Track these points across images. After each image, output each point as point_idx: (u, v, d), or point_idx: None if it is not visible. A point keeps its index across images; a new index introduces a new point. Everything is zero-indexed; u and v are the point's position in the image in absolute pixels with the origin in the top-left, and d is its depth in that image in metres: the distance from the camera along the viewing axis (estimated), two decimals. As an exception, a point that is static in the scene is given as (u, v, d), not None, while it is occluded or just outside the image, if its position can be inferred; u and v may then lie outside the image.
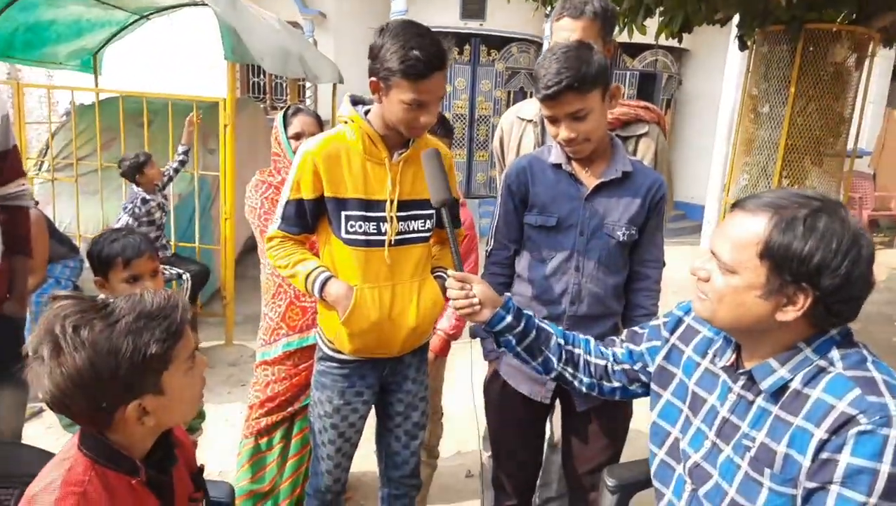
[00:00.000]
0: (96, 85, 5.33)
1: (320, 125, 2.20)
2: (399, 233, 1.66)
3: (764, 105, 3.58)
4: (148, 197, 3.84)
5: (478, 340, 1.89)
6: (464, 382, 2.43)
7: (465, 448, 3.08)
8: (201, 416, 1.99)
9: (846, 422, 0.98)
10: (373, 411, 1.90)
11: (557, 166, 1.67)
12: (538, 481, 2.14)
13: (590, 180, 1.66)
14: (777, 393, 1.10)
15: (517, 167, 1.74)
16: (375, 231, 1.63)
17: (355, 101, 1.71)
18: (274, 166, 2.21)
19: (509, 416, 1.86)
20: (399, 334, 1.69)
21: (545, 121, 1.64)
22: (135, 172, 3.80)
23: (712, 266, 1.14)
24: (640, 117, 1.93)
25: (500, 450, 1.94)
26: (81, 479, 0.97)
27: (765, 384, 1.11)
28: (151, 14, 5.26)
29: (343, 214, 1.62)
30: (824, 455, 0.99)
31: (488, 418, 1.93)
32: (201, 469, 1.24)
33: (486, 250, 1.84)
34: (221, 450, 2.86)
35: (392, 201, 1.63)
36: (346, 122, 1.66)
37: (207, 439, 2.02)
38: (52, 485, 0.95)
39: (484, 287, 1.41)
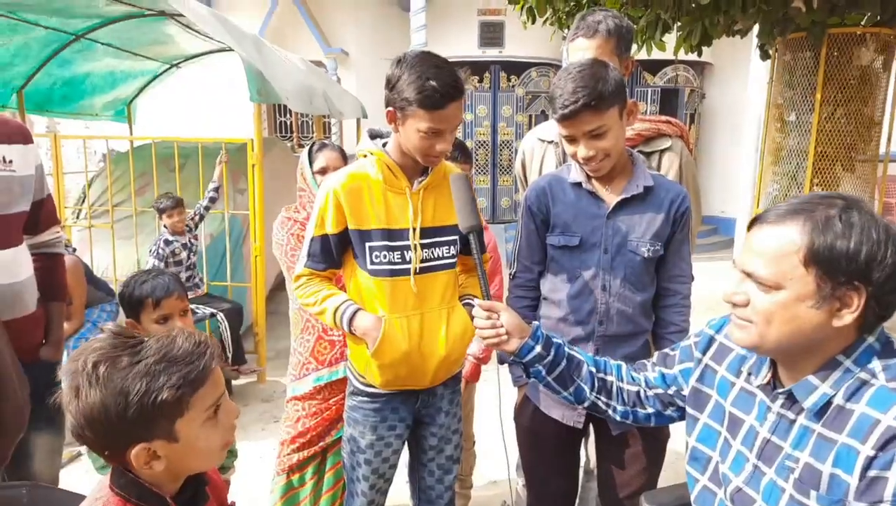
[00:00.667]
0: (130, 133, 5.53)
1: (345, 160, 2.22)
2: (423, 260, 1.66)
3: (790, 113, 3.53)
4: (170, 238, 3.96)
5: (506, 365, 1.87)
6: (493, 408, 2.40)
7: (500, 477, 3.02)
8: (233, 454, 2.00)
9: (893, 437, 0.93)
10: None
11: (577, 185, 1.66)
12: (577, 507, 2.08)
13: (611, 197, 1.64)
14: (820, 411, 1.04)
15: (537, 188, 1.72)
16: (400, 260, 1.64)
17: (373, 135, 1.74)
18: (300, 202, 2.24)
19: (542, 442, 1.82)
20: (430, 364, 1.68)
21: (563, 140, 1.63)
22: (170, 210, 3.94)
23: (748, 287, 1.06)
24: (662, 132, 1.91)
25: (534, 478, 1.89)
26: None
27: (808, 403, 1.04)
28: (181, 62, 5.46)
29: (367, 245, 1.63)
30: (872, 473, 0.94)
31: (520, 444, 1.89)
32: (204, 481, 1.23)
33: (510, 274, 1.82)
34: (255, 488, 2.86)
35: (415, 229, 1.64)
36: (365, 156, 1.69)
37: (241, 476, 2.02)
38: None
39: (511, 316, 1.38)
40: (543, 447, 1.83)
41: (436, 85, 1.46)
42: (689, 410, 1.34)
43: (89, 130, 7.83)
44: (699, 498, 1.29)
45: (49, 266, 1.91)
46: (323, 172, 2.17)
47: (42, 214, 1.87)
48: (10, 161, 1.70)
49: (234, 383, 4.11)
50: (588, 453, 2.49)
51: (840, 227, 0.98)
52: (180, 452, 0.99)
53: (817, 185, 3.47)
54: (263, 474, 2.95)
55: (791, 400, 1.09)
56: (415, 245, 1.64)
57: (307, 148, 2.27)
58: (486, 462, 2.40)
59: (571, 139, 1.57)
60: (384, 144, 1.68)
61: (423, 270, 1.66)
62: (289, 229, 2.20)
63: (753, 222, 1.10)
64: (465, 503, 2.38)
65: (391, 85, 1.54)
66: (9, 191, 1.71)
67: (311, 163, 2.21)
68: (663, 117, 1.96)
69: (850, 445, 0.98)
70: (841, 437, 1.00)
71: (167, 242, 3.95)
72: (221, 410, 1.03)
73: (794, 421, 1.09)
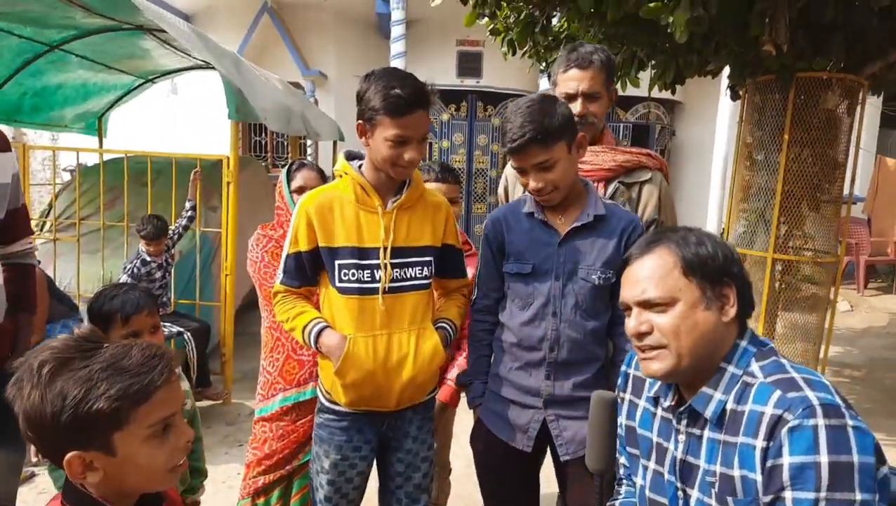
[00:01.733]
0: (101, 146, 5.43)
1: (324, 179, 2.23)
2: (394, 280, 1.66)
3: (759, 152, 3.63)
4: (148, 259, 3.90)
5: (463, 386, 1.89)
6: (460, 435, 2.38)
7: (471, 504, 2.97)
8: (203, 474, 1.94)
9: (776, 423, 1.01)
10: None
11: (531, 215, 1.71)
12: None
13: (563, 227, 1.69)
14: (719, 419, 1.12)
15: (493, 218, 1.80)
16: (370, 279, 1.64)
17: (350, 157, 1.76)
18: (277, 220, 2.22)
19: (496, 466, 1.82)
20: (395, 385, 1.67)
21: (516, 172, 1.69)
22: (150, 239, 3.88)
23: (648, 316, 1.16)
24: (642, 164, 1.96)
25: (492, 501, 1.88)
26: None
27: (708, 412, 1.13)
28: (157, 78, 5.40)
29: (336, 263, 1.65)
30: (769, 463, 1.01)
31: (477, 466, 1.89)
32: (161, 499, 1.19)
33: (472, 299, 1.87)
34: (219, 512, 2.76)
35: (385, 248, 1.64)
36: (340, 176, 1.70)
37: (204, 502, 1.95)
38: None
39: None
40: (499, 471, 1.83)
41: (400, 92, 1.52)
42: (629, 449, 1.35)
43: (57, 143, 7.67)
44: None
45: (20, 277, 1.87)
46: (300, 190, 2.16)
47: (16, 224, 1.83)
48: None
49: (197, 404, 3.99)
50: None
51: (694, 238, 1.16)
52: (119, 467, 0.95)
53: (783, 222, 3.56)
54: (228, 499, 2.85)
55: (694, 416, 1.17)
56: (384, 264, 1.64)
57: (286, 167, 2.26)
58: (461, 491, 2.36)
59: (522, 171, 1.65)
60: (360, 166, 1.70)
61: (392, 290, 1.66)
62: (263, 246, 2.18)
63: (623, 265, 1.24)
64: (438, 533, 2.33)
65: (360, 98, 1.60)
66: None
67: (289, 182, 2.19)
68: (644, 150, 2.00)
69: (747, 443, 1.05)
70: (739, 438, 1.07)
71: (144, 263, 3.88)
72: (173, 430, 0.98)
73: (701, 436, 1.16)
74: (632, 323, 1.17)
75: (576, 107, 1.90)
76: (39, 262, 3.55)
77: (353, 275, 1.64)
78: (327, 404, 1.74)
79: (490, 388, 1.81)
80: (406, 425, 1.77)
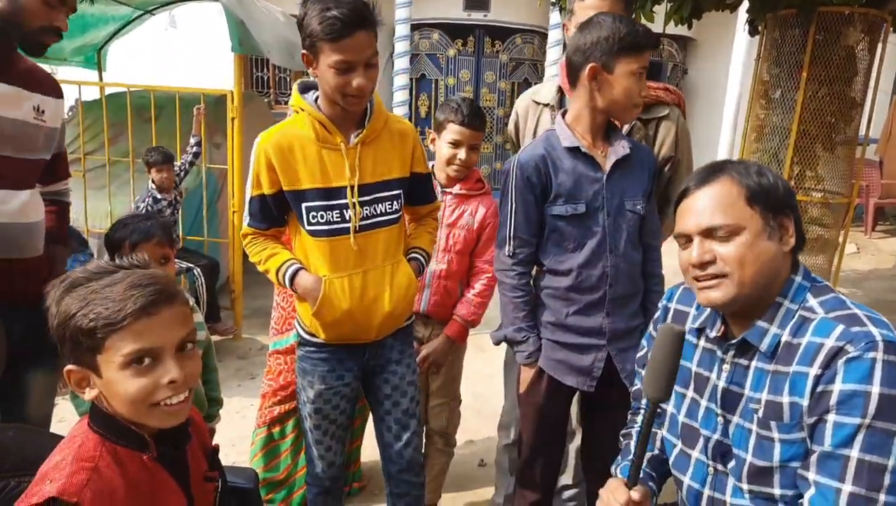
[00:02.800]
0: (100, 80, 5.32)
1: None
2: (364, 218, 1.62)
3: (775, 91, 3.55)
4: (159, 196, 3.90)
5: (482, 326, 1.89)
6: (467, 370, 2.43)
7: (476, 437, 3.07)
8: (218, 403, 1.99)
9: (836, 354, 1.03)
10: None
11: (573, 150, 1.65)
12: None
13: (603, 160, 1.66)
14: (772, 352, 1.13)
15: (533, 158, 1.68)
16: (339, 219, 1.60)
17: (306, 88, 1.66)
18: None
19: (552, 415, 1.83)
20: (374, 320, 1.67)
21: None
22: (160, 165, 3.86)
23: (711, 245, 1.14)
24: (660, 99, 1.91)
25: (536, 447, 1.88)
26: (93, 455, 0.96)
27: (763, 345, 1.14)
28: (155, 9, 5.24)
29: (304, 205, 1.60)
30: (819, 388, 1.03)
31: (530, 419, 1.85)
32: (216, 449, 1.22)
33: (508, 252, 1.73)
34: (233, 441, 2.85)
35: (352, 187, 1.59)
36: (297, 111, 1.62)
37: (219, 431, 2.02)
38: (63, 462, 0.94)
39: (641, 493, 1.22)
40: (553, 420, 1.84)
41: (337, 13, 1.42)
42: None
43: (56, 76, 7.53)
44: (676, 462, 1.33)
45: (58, 212, 1.96)
46: None
47: (59, 166, 1.92)
48: (43, 111, 1.73)
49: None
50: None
51: (755, 169, 1.16)
52: (106, 389, 0.98)
53: (797, 163, 3.52)
54: (241, 429, 2.95)
55: (743, 348, 1.18)
56: (353, 203, 1.59)
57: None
58: (462, 423, 2.43)
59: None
60: (316, 99, 1.61)
61: (363, 228, 1.62)
62: None
63: (682, 197, 1.21)
64: (448, 460, 2.41)
65: (300, 25, 1.49)
66: (34, 138, 1.72)
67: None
68: (661, 84, 1.95)
69: (801, 371, 1.07)
70: (792, 367, 1.09)
71: (155, 200, 3.89)
72: (157, 365, 0.97)
73: (748, 367, 1.17)
74: (695, 252, 1.16)
75: None
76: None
77: (322, 217, 1.59)
78: (307, 337, 1.74)
79: (545, 337, 1.76)
80: (387, 351, 1.78)
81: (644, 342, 1.50)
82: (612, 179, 1.65)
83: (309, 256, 1.64)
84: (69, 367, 0.98)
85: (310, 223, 1.60)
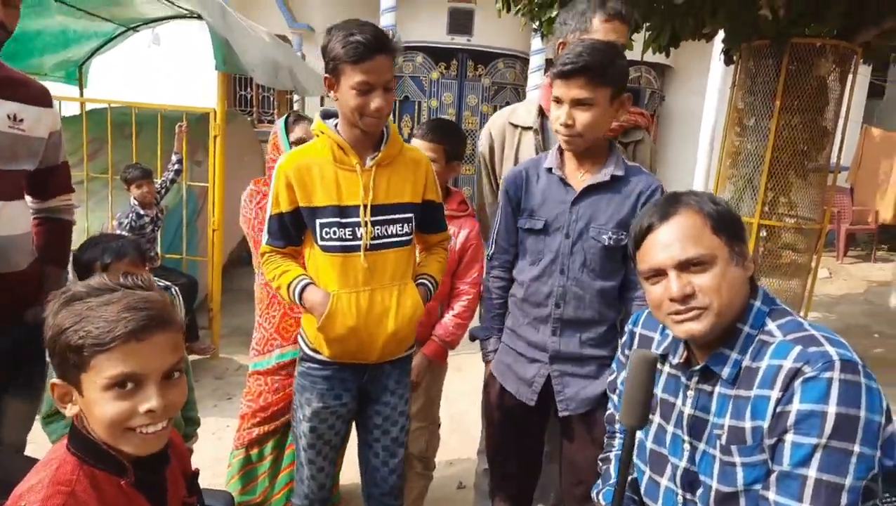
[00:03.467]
0: (81, 96, 5.28)
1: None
2: (375, 238, 1.67)
3: (750, 118, 3.64)
4: (142, 212, 3.87)
5: (461, 347, 1.92)
6: (447, 391, 2.42)
7: (455, 458, 3.05)
8: (196, 423, 1.96)
9: (794, 375, 1.04)
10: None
11: (549, 170, 1.71)
12: (537, 491, 2.12)
13: (579, 184, 1.67)
14: (734, 378, 1.14)
15: (514, 173, 1.79)
16: (351, 236, 1.65)
17: (327, 115, 1.75)
18: (270, 175, 2.19)
19: (504, 419, 1.86)
20: (378, 340, 1.70)
21: (553, 102, 1.63)
22: (139, 180, 3.83)
23: (688, 277, 1.14)
24: (637, 124, 1.96)
25: (496, 457, 1.93)
26: (69, 478, 0.94)
27: (725, 372, 1.14)
28: (139, 26, 5.23)
29: (318, 221, 1.66)
30: (778, 409, 1.05)
31: (486, 419, 1.94)
32: (196, 473, 1.21)
33: (489, 255, 1.89)
34: (208, 463, 2.80)
35: (365, 206, 1.65)
36: (317, 135, 1.71)
37: (194, 452, 1.98)
38: (40, 485, 0.92)
39: None
40: (506, 425, 1.87)
41: (360, 38, 1.52)
42: None
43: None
44: (647, 490, 1.33)
45: (52, 230, 1.87)
46: (299, 142, 2.13)
47: (52, 181, 1.83)
48: (21, 120, 1.66)
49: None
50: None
51: (708, 197, 1.18)
52: (86, 408, 0.97)
53: (771, 189, 3.60)
54: (217, 450, 2.89)
55: (706, 375, 1.19)
56: (365, 222, 1.65)
57: (283, 119, 2.23)
58: (443, 445, 2.42)
59: (558, 101, 1.60)
60: (336, 125, 1.69)
61: (373, 247, 1.67)
62: (257, 203, 2.16)
63: (646, 233, 1.19)
64: (427, 484, 2.39)
65: (324, 52, 1.59)
66: (11, 148, 1.66)
67: (287, 134, 2.16)
68: (637, 109, 2.00)
69: (762, 394, 1.08)
70: (753, 391, 1.09)
71: (139, 216, 3.85)
72: (138, 392, 0.95)
73: (711, 393, 1.18)
74: (675, 287, 1.13)
75: None
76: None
77: (335, 233, 1.65)
78: (310, 352, 1.77)
79: (503, 341, 1.86)
80: (384, 378, 1.80)
81: (614, 366, 1.51)
82: (580, 202, 1.67)
83: (320, 271, 1.69)
84: (54, 380, 0.98)
85: (322, 239, 1.66)
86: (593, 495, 1.46)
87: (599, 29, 1.88)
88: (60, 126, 1.86)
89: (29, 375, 1.80)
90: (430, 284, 1.80)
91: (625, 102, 1.64)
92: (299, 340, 1.82)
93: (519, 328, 1.79)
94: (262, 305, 2.18)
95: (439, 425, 2.38)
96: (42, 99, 1.75)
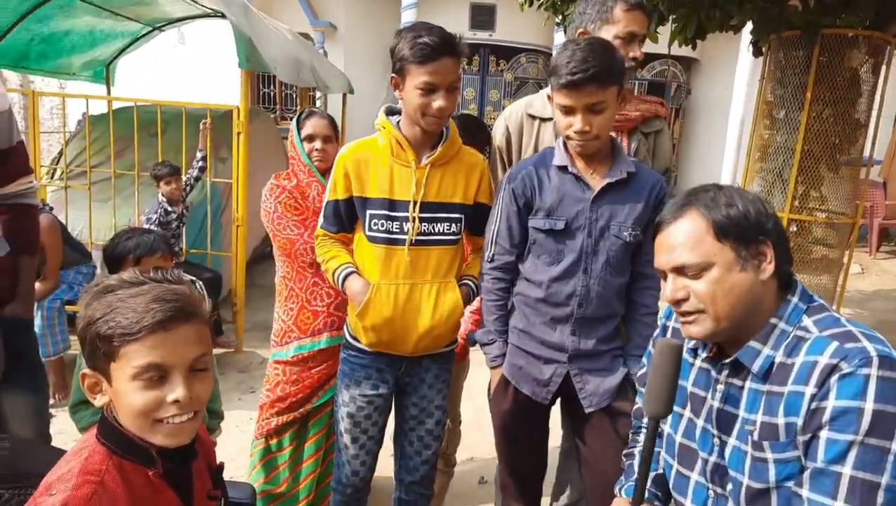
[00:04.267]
0: (108, 94, 5.37)
1: (334, 127, 2.22)
2: (421, 233, 1.71)
3: (780, 111, 3.56)
4: (169, 208, 3.93)
5: (477, 345, 1.89)
6: (469, 387, 2.41)
7: (477, 454, 3.04)
8: (219, 416, 1.98)
9: (830, 371, 1.01)
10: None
11: (562, 168, 1.66)
12: (554, 488, 2.10)
13: (595, 182, 1.65)
14: (765, 373, 1.12)
15: (521, 171, 1.72)
16: (398, 230, 1.71)
17: (391, 112, 1.80)
18: (291, 170, 2.21)
19: (517, 422, 1.83)
20: (413, 333, 1.74)
21: (557, 111, 1.61)
22: (168, 177, 3.90)
23: (683, 282, 1.15)
24: (657, 113, 1.93)
25: (510, 455, 1.91)
26: (98, 468, 0.95)
27: (755, 366, 1.13)
28: (164, 26, 5.30)
29: (368, 212, 1.72)
30: (814, 405, 1.02)
31: (496, 423, 1.89)
32: (221, 467, 1.21)
33: (488, 256, 1.78)
34: (232, 455, 2.83)
35: (415, 202, 1.69)
36: (379, 130, 1.75)
37: (218, 445, 2.00)
38: (69, 474, 0.93)
39: None
40: (519, 427, 1.84)
41: (427, 40, 1.56)
42: None
43: (65, 91, 7.60)
44: (675, 484, 1.32)
45: (19, 218, 1.78)
46: (310, 139, 2.16)
47: (9, 164, 1.73)
48: None
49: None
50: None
51: (724, 199, 1.14)
52: (115, 398, 0.98)
53: (801, 183, 3.52)
54: (241, 442, 2.92)
55: (736, 368, 1.17)
56: (413, 217, 1.69)
57: (297, 115, 2.24)
58: (464, 440, 2.42)
59: (569, 110, 1.57)
60: (398, 122, 1.74)
61: (418, 243, 1.71)
62: (276, 197, 2.17)
63: (657, 230, 1.21)
64: (447, 481, 2.39)
65: (392, 53, 1.64)
66: None
67: (299, 130, 2.18)
68: (656, 99, 1.98)
69: (796, 390, 1.05)
70: (787, 387, 1.07)
71: (167, 212, 3.92)
72: (167, 382, 0.97)
73: (742, 387, 1.16)
74: (668, 290, 1.17)
75: (634, 49, 1.84)
76: (52, 208, 3.58)
77: (383, 225, 1.71)
78: (351, 340, 1.83)
79: (511, 342, 1.79)
80: (423, 372, 1.84)
81: (644, 360, 1.50)
82: (601, 201, 1.64)
83: (365, 259, 1.75)
84: (84, 370, 1.00)
85: (370, 229, 1.72)
86: (616, 489, 1.44)
87: (622, 19, 1.84)
88: (9, 105, 1.75)
89: (29, 368, 1.78)
90: (473, 286, 1.83)
91: (626, 95, 1.63)
92: (344, 327, 1.88)
93: (532, 329, 1.74)
94: (280, 297, 2.20)
95: (460, 423, 2.37)
96: None
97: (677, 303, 1.15)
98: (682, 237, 1.14)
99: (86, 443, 1.00)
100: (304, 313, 2.15)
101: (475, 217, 1.82)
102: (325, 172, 2.15)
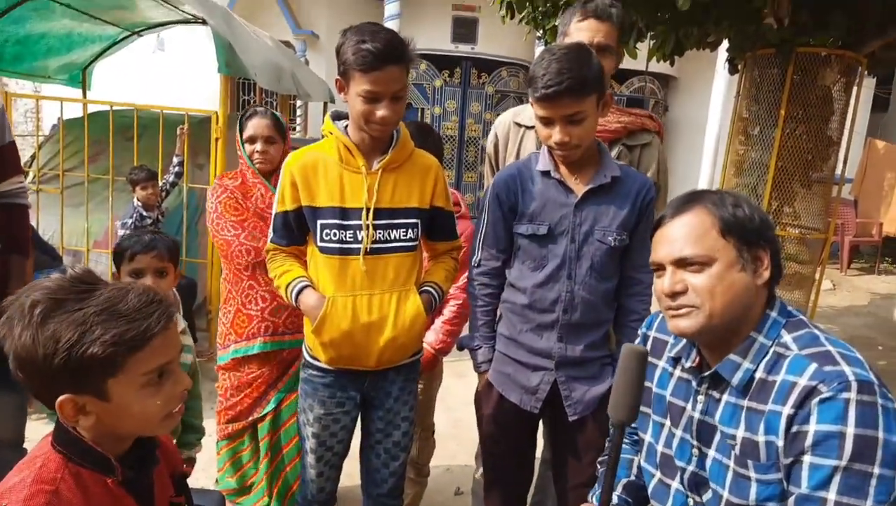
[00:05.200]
0: (84, 98, 5.29)
1: (278, 128, 2.15)
2: (376, 241, 1.64)
3: (754, 127, 3.63)
4: (145, 213, 3.87)
5: (462, 353, 1.87)
6: (446, 397, 2.39)
7: (453, 464, 3.02)
8: (199, 431, 1.94)
9: (809, 394, 1.01)
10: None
11: (545, 174, 1.65)
12: (533, 498, 2.08)
13: (579, 187, 1.64)
14: (745, 387, 1.12)
15: (505, 177, 1.72)
16: (352, 239, 1.63)
17: (337, 116, 1.73)
18: (239, 169, 2.19)
19: (504, 429, 1.82)
20: (374, 346, 1.66)
21: (537, 123, 1.61)
22: (144, 182, 3.85)
23: (682, 275, 1.15)
24: (645, 126, 1.92)
25: (494, 463, 1.89)
26: (53, 477, 0.91)
27: (735, 379, 1.13)
28: (143, 31, 5.25)
29: (319, 222, 1.64)
30: (794, 429, 1.02)
31: (481, 432, 1.88)
32: (184, 474, 1.18)
33: (474, 261, 1.79)
34: (203, 464, 2.76)
35: (368, 209, 1.62)
36: (325, 136, 1.69)
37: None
38: (21, 484, 0.89)
39: None
40: (505, 434, 1.82)
41: (370, 46, 1.48)
42: (641, 408, 1.35)
43: (40, 93, 7.47)
44: (655, 492, 1.31)
45: (8, 217, 1.79)
46: (251, 140, 2.10)
47: (1, 163, 1.76)
48: None
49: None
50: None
51: (731, 200, 1.15)
52: (112, 412, 0.93)
53: (775, 199, 3.58)
54: (213, 451, 2.86)
55: (716, 381, 1.17)
56: (367, 225, 1.62)
57: (240, 116, 2.18)
58: (440, 450, 2.39)
59: (548, 122, 1.56)
60: (346, 127, 1.67)
61: (374, 252, 1.64)
62: (217, 196, 2.12)
63: (657, 226, 1.22)
64: (421, 491, 2.36)
65: (337, 53, 1.57)
66: None
67: (241, 131, 2.13)
68: (645, 112, 1.97)
69: (775, 410, 1.06)
70: (767, 406, 1.07)
71: (142, 217, 3.86)
72: (169, 377, 0.96)
73: (720, 400, 1.16)
74: (666, 282, 1.16)
75: None
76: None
77: (335, 235, 1.63)
78: (310, 359, 1.75)
79: (498, 349, 1.78)
80: (388, 384, 1.77)
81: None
82: (584, 205, 1.64)
83: (318, 273, 1.67)
84: (63, 398, 0.90)
85: (322, 240, 1.64)
86: (590, 498, 1.43)
87: (575, 30, 1.86)
88: (2, 105, 1.79)
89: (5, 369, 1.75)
90: (434, 292, 1.76)
91: (608, 101, 1.62)
92: (303, 347, 1.79)
93: (519, 336, 1.73)
94: (221, 298, 2.19)
95: (433, 432, 2.35)
96: None
97: (673, 296, 1.15)
98: (687, 230, 1.14)
99: (40, 451, 0.96)
100: (240, 316, 2.12)
101: (432, 222, 1.77)
102: (270, 174, 2.13)
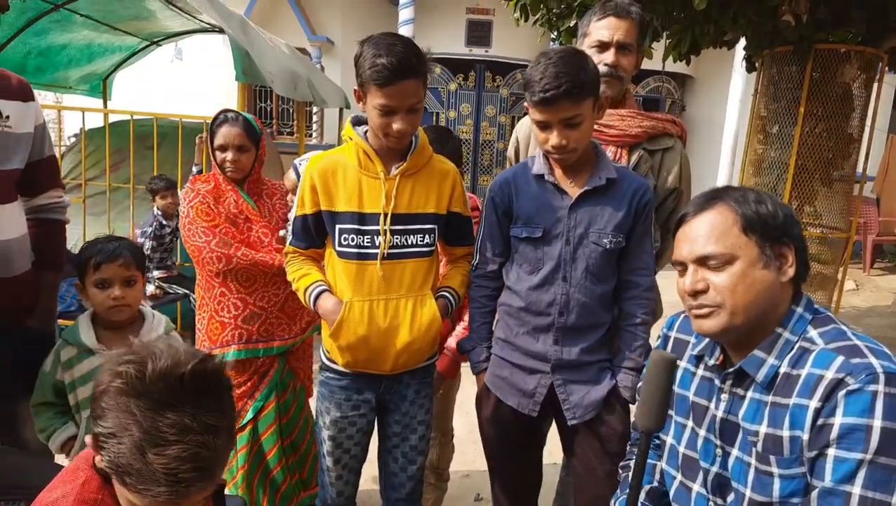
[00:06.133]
0: (105, 108, 5.37)
1: (250, 135, 2.11)
2: (393, 246, 1.66)
3: (773, 126, 3.59)
4: (164, 222, 3.92)
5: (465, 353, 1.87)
6: (465, 401, 2.39)
7: (472, 469, 3.01)
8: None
9: (836, 386, 1.00)
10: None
11: (540, 177, 1.66)
12: (554, 503, 2.07)
13: (573, 189, 1.64)
14: (769, 383, 1.11)
15: (500, 180, 1.74)
16: (369, 244, 1.65)
17: (358, 122, 1.74)
18: (213, 172, 2.17)
19: (503, 432, 1.81)
20: (390, 350, 1.67)
21: (534, 126, 1.61)
22: (164, 191, 3.90)
23: (704, 274, 1.14)
24: (666, 131, 1.90)
25: (496, 466, 1.89)
26: (95, 497, 0.93)
27: (759, 375, 1.12)
28: (162, 40, 5.32)
29: (337, 227, 1.66)
30: (820, 421, 1.01)
31: (482, 433, 1.87)
32: (221, 486, 1.19)
33: (473, 264, 1.82)
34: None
35: (386, 214, 1.64)
36: (346, 141, 1.71)
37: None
38: (65, 499, 0.91)
39: None
40: (505, 437, 1.82)
41: (385, 62, 1.48)
42: None
43: (61, 104, 7.60)
44: (676, 496, 1.30)
45: (45, 232, 1.81)
46: (222, 149, 2.07)
47: (41, 175, 1.78)
48: (7, 117, 1.63)
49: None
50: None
51: (753, 197, 1.14)
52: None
53: (795, 198, 3.54)
54: (232, 460, 2.89)
55: (740, 378, 1.16)
56: (384, 230, 1.64)
57: (211, 121, 2.15)
58: (461, 456, 2.39)
59: (544, 126, 1.57)
60: (365, 132, 1.69)
61: (391, 256, 1.66)
62: (189, 201, 2.10)
63: (680, 224, 1.21)
64: (441, 495, 2.35)
65: (356, 63, 1.58)
66: (4, 148, 1.63)
67: (211, 138, 2.10)
68: (668, 116, 1.95)
69: (800, 403, 1.04)
70: (792, 399, 1.06)
71: (161, 225, 3.90)
72: None
73: (744, 397, 1.15)
74: (688, 281, 1.15)
75: (608, 56, 1.82)
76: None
77: (353, 240, 1.64)
78: (327, 362, 1.77)
79: (495, 353, 1.79)
80: (403, 388, 1.78)
81: (645, 371, 1.48)
82: (579, 208, 1.63)
83: (336, 277, 1.69)
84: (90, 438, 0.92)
85: (340, 244, 1.65)
86: (612, 504, 1.41)
87: (594, 29, 1.86)
88: (44, 118, 1.80)
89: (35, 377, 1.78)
90: (451, 297, 1.77)
91: (603, 104, 1.62)
92: (321, 350, 1.81)
93: (515, 338, 1.72)
94: (197, 305, 2.17)
95: (452, 437, 2.35)
96: (23, 93, 1.69)
97: (695, 295, 1.14)
98: (709, 228, 1.14)
99: (82, 465, 0.97)
100: (213, 323, 2.10)
101: (449, 227, 1.78)
102: (243, 181, 2.13)
